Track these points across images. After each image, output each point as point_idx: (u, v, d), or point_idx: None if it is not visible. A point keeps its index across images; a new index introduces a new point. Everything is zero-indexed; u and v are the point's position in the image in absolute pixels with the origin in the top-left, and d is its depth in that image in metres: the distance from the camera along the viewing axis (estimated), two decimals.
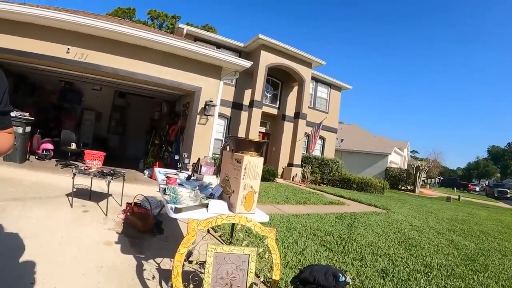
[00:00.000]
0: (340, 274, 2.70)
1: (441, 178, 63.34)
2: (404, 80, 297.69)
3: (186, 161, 7.77)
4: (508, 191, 43.86)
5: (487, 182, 75.65)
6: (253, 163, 3.10)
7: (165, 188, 3.51)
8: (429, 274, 5.24)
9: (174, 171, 5.25)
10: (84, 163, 6.73)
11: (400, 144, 40.56)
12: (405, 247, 6.80)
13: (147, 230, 5.21)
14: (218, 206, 3.16)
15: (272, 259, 3.28)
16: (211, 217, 2.97)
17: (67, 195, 6.35)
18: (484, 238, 9.30)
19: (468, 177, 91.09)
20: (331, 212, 9.63)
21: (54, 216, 5.21)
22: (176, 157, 10.05)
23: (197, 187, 3.79)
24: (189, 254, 4.02)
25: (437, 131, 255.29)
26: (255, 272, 3.38)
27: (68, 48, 8.45)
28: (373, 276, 4.73)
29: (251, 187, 3.14)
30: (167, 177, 3.97)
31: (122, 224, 5.45)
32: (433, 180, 52.48)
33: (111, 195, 6.57)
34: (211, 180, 4.19)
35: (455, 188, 50.42)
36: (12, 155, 8.04)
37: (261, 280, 3.85)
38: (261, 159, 3.19)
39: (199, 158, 4.75)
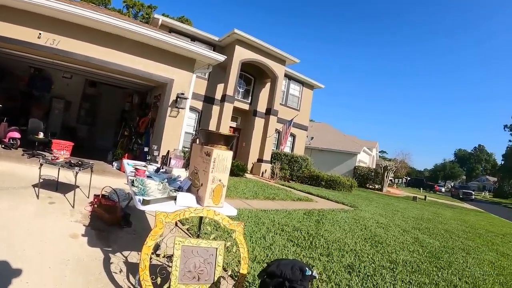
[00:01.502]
0: (307, 268, 2.73)
1: (408, 178, 65.04)
2: (377, 82, 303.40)
3: (156, 153, 7.67)
4: (473, 193, 45.45)
5: (452, 184, 78.13)
6: (222, 156, 3.11)
7: (133, 180, 3.47)
8: (395, 270, 5.37)
9: (143, 163, 5.19)
10: (52, 153, 6.56)
11: (369, 144, 41.40)
12: (371, 243, 6.95)
13: (114, 223, 5.13)
14: (186, 199, 3.15)
15: (239, 253, 3.30)
16: (179, 210, 2.96)
17: (34, 186, 6.16)
18: (448, 236, 9.60)
19: (434, 178, 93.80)
20: (299, 208, 9.74)
21: (19, 208, 5.05)
22: (146, 149, 9.93)
23: (166, 180, 3.76)
24: (157, 247, 3.99)
25: (406, 133, 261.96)
26: (223, 266, 3.39)
27: (40, 33, 8.19)
28: (339, 271, 4.82)
29: (220, 180, 3.14)
30: (136, 169, 3.93)
31: (89, 217, 5.34)
32: (400, 180, 53.81)
33: (78, 186, 6.37)
34: (180, 173, 4.17)
35: (421, 188, 51.91)
36: None
37: (229, 273, 3.86)
38: (230, 153, 3.20)
39: (168, 151, 4.72)
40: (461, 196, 41.72)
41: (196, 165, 3.40)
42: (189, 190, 3.46)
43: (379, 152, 56.86)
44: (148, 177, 3.83)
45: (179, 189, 3.50)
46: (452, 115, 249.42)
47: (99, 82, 14.48)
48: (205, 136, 3.33)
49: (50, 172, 6.75)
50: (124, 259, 4.00)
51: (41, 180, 5.92)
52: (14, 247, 3.63)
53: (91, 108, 15.73)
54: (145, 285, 2.80)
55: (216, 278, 3.13)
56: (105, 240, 4.50)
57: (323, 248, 5.94)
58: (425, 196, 28.77)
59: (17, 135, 9.62)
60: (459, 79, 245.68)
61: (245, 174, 17.04)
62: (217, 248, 3.15)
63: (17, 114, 11.83)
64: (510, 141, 67.84)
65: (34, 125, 10.35)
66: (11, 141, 9.48)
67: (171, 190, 3.38)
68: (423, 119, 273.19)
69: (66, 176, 6.95)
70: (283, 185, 16.36)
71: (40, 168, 5.72)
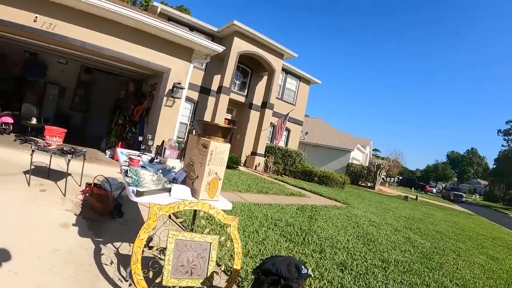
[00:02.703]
0: (303, 266, 2.68)
1: (400, 177, 65.10)
2: (373, 80, 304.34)
3: (150, 143, 7.50)
4: (464, 195, 45.63)
5: (444, 185, 78.57)
6: (220, 149, 3.04)
7: (127, 170, 3.37)
8: (387, 269, 5.36)
9: (137, 152, 5.08)
10: (44, 139, 6.44)
11: (363, 141, 41.41)
12: (363, 241, 6.94)
13: (106, 213, 5.06)
14: (181, 191, 3.08)
15: (233, 247, 3.24)
16: (174, 203, 2.89)
17: (25, 172, 6.02)
18: (439, 237, 9.62)
19: (426, 178, 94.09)
20: (292, 203, 9.72)
21: (9, 195, 4.94)
22: (140, 138, 9.77)
23: (160, 171, 3.67)
24: (149, 239, 3.91)
25: (399, 133, 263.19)
26: (216, 261, 3.33)
27: (36, 17, 8.01)
28: (332, 269, 4.79)
29: (216, 173, 3.07)
30: (130, 158, 3.82)
31: (81, 206, 5.25)
32: (392, 178, 53.89)
33: (70, 174, 6.32)
34: (174, 164, 4.07)
35: (413, 188, 52.08)
36: None
37: (222, 269, 3.80)
38: (228, 146, 3.13)
39: (163, 141, 4.62)
40: (452, 198, 41.86)
41: (192, 157, 3.32)
42: (184, 182, 3.38)
43: (372, 150, 56.93)
44: (142, 167, 3.73)
45: (174, 180, 3.41)
46: (446, 117, 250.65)
47: (94, 69, 14.29)
48: (202, 127, 3.25)
49: (42, 158, 6.62)
50: (115, 250, 3.93)
51: (32, 167, 5.80)
52: (3, 235, 3.52)
53: (85, 95, 15.46)
54: (136, 279, 2.73)
55: (209, 273, 3.07)
56: (96, 230, 4.43)
57: (315, 244, 5.91)
58: (417, 196, 28.86)
59: (9, 120, 9.44)
60: (456, 81, 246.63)
61: (239, 166, 17.03)
62: (211, 243, 3.09)
63: (10, 99, 11.63)
64: (503, 145, 68.07)
65: (27, 110, 10.19)
66: (3, 126, 9.30)
67: (165, 182, 3.29)
68: (417, 119, 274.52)
69: (59, 163, 6.84)
70: (276, 179, 16.34)
71: (31, 154, 5.58)
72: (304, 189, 14.44)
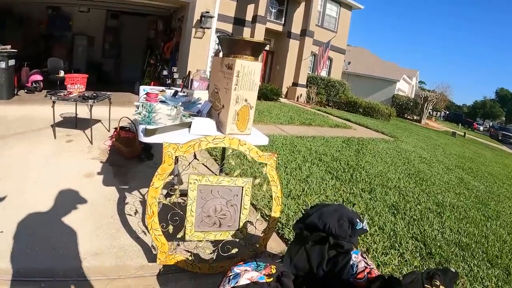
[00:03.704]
0: (358, 220, 2.07)
1: (447, 112, 62.30)
2: (419, 7, 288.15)
3: (176, 75, 6.86)
4: None
5: (491, 123, 74.44)
6: (248, 68, 2.36)
7: (138, 106, 2.77)
8: (442, 215, 4.83)
9: (162, 88, 4.54)
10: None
11: (409, 72, 38.94)
12: (415, 180, 6.42)
13: (133, 156, 4.81)
14: (203, 125, 2.48)
15: (271, 191, 2.70)
16: (194, 140, 2.32)
17: (52, 126, 5.73)
18: (492, 180, 8.76)
19: (473, 115, 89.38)
20: (338, 136, 9.27)
21: (34, 150, 4.70)
22: (164, 72, 9.39)
23: (181, 103, 3.05)
24: (172, 186, 3.47)
25: (446, 65, 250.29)
26: (253, 206, 2.82)
27: None
28: (383, 212, 4.36)
29: (246, 100, 2.41)
30: (147, 93, 3.25)
31: (108, 152, 5.01)
32: (438, 113, 51.52)
33: (100, 121, 6.30)
34: (201, 95, 3.44)
35: (460, 124, 49.54)
36: None
37: (257, 217, 3.29)
38: (259, 64, 2.44)
39: (189, 71, 3.99)
40: (500, 138, 39.32)
41: (217, 83, 2.68)
42: (209, 115, 2.81)
43: (418, 82, 54.14)
44: (162, 102, 3.13)
45: (198, 114, 2.85)
46: (497, 50, 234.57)
47: (121, 12, 13.95)
48: (227, 45, 2.56)
49: (69, 109, 6.39)
50: (141, 197, 3.66)
51: (61, 119, 5.75)
52: (25, 194, 3.38)
53: (115, 41, 15.17)
54: (154, 234, 2.30)
55: (241, 224, 2.57)
56: (123, 176, 4.21)
57: (364, 182, 5.46)
58: (465, 133, 26.98)
59: (39, 77, 9.31)
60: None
61: (279, 98, 16.57)
62: (242, 187, 2.52)
63: (40, 57, 11.51)
64: None
65: (53, 64, 10.04)
66: (34, 85, 9.21)
67: (184, 115, 2.66)
68: (466, 50, 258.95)
69: (88, 111, 6.58)
70: (319, 110, 15.82)
71: (53, 106, 5.26)
72: (349, 120, 13.82)
